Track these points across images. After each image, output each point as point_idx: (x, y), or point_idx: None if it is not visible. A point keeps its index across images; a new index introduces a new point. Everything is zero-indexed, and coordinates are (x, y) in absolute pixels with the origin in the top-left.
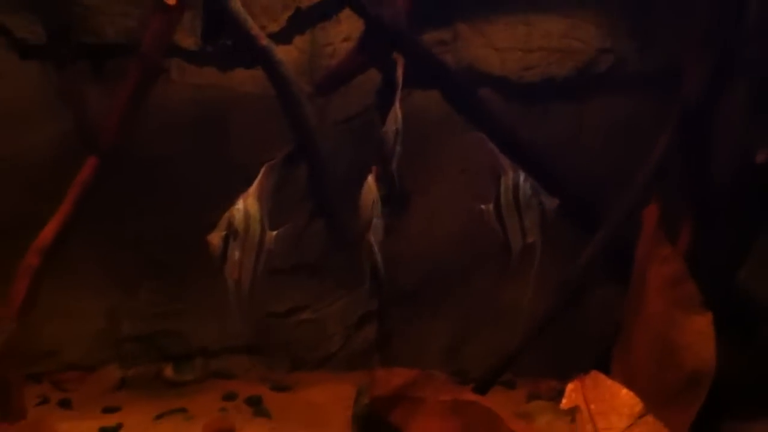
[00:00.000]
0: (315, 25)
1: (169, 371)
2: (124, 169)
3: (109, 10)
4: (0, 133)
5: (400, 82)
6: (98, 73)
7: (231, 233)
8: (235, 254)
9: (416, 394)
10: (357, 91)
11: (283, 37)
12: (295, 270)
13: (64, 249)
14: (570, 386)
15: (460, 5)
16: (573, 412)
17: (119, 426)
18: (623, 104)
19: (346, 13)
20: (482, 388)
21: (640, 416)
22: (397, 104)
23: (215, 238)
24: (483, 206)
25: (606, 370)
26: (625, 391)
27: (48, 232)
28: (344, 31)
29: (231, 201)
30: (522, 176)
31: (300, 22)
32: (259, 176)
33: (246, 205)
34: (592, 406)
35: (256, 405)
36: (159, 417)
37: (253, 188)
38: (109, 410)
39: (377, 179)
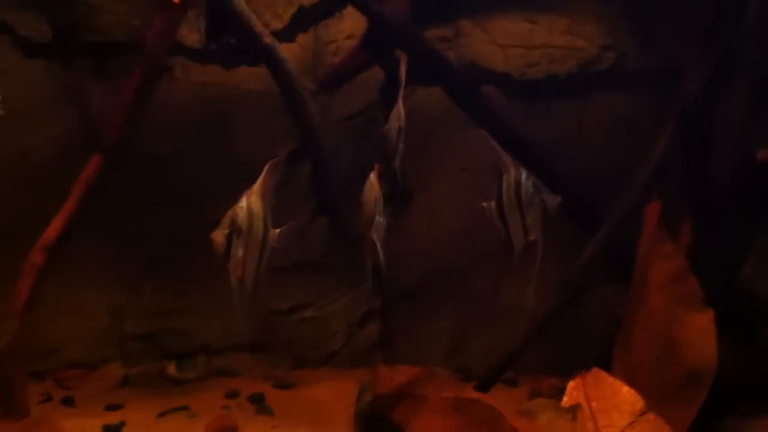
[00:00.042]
0: (318, 23)
1: (172, 369)
2: (128, 167)
3: (113, 8)
4: (5, 130)
5: (404, 79)
6: (102, 71)
7: (234, 231)
8: (239, 252)
9: (419, 392)
10: (360, 88)
11: (286, 34)
12: (297, 268)
13: (68, 247)
14: (571, 384)
15: (462, 2)
16: (574, 409)
17: (122, 424)
18: (624, 102)
19: (349, 11)
20: (484, 386)
21: (642, 414)
22: (400, 102)
23: (219, 235)
24: (485, 204)
25: (607, 368)
26: (626, 388)
27: (52, 230)
28: (347, 28)
29: (234, 199)
30: (524, 174)
31: (303, 20)
32: (263, 174)
33: (249, 203)
34: (594, 404)
35: (258, 403)
36: (162, 415)
37: (256, 186)
38: (112, 408)
39: (380, 177)
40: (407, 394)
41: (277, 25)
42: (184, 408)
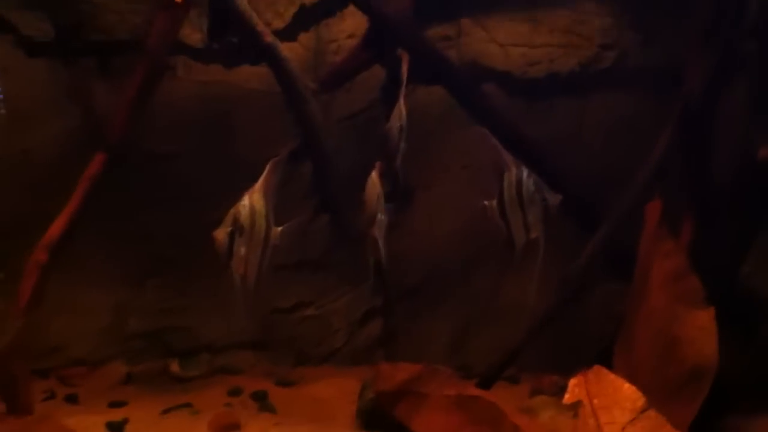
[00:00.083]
0: (319, 22)
1: (175, 367)
2: (131, 166)
3: (116, 7)
4: (7, 129)
5: (405, 78)
6: (105, 70)
7: (237, 229)
8: (241, 250)
9: (420, 389)
10: (361, 87)
11: (287, 33)
12: (299, 266)
13: (71, 245)
14: (573, 381)
15: (463, 1)
16: (576, 406)
17: (125, 421)
18: (625, 101)
19: (351, 10)
20: (486, 384)
21: (643, 411)
22: (401, 101)
23: (221, 234)
24: (486, 202)
25: (608, 365)
26: (627, 385)
27: (56, 229)
28: (349, 27)
29: (236, 197)
30: (525, 172)
31: (304, 19)
32: (265, 172)
33: (252, 201)
34: (595, 401)
35: (261, 400)
36: (165, 412)
37: (258, 184)
38: (115, 405)
39: (381, 175)
40: (409, 391)
41: (279, 24)
42: (187, 405)
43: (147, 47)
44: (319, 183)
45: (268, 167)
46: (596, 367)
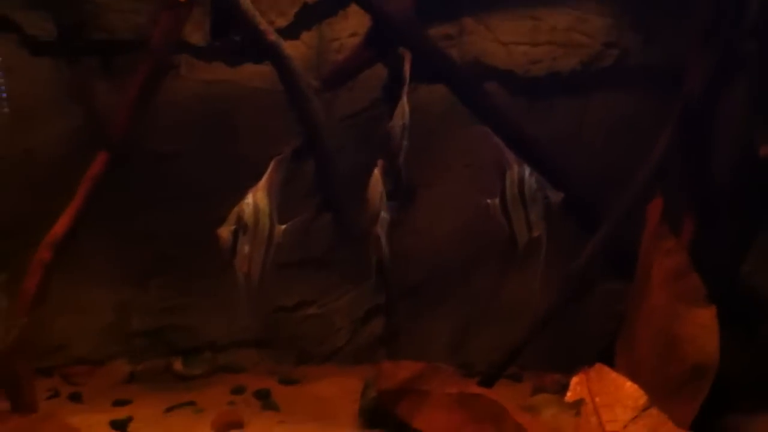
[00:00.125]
0: (322, 21)
1: (178, 365)
2: (134, 165)
3: (119, 6)
4: (11, 128)
5: (408, 77)
6: (108, 69)
7: (240, 227)
8: (245, 248)
9: (423, 387)
10: (363, 86)
11: (290, 32)
12: (302, 264)
13: (75, 244)
14: (575, 379)
15: (465, 0)
16: (578, 405)
17: (129, 419)
18: (626, 100)
19: (353, 9)
20: (488, 382)
21: (645, 409)
22: (404, 99)
23: (225, 232)
24: (489, 201)
25: (610, 364)
26: (629, 383)
27: (59, 227)
28: (351, 26)
29: (239, 196)
30: (527, 170)
31: (307, 18)
32: (268, 171)
33: (255, 200)
34: (597, 399)
35: (264, 398)
36: (169, 410)
37: (262, 182)
38: (119, 403)
39: (383, 173)
40: (411, 389)
41: (282, 22)
42: (191, 403)
43: (150, 46)
44: (321, 181)
45: (271, 165)
46: (598, 366)
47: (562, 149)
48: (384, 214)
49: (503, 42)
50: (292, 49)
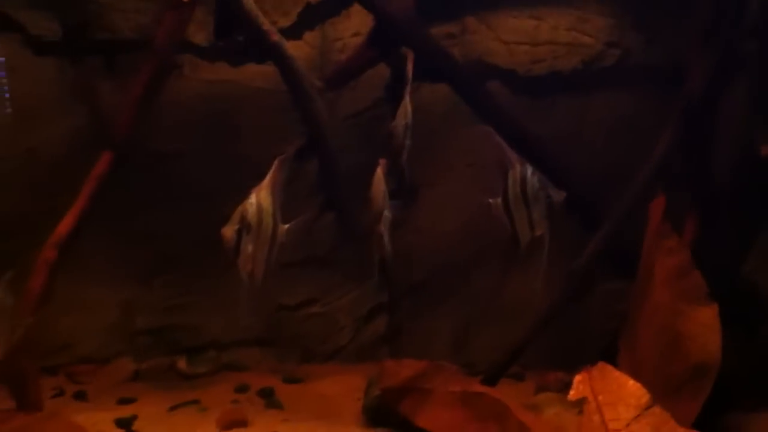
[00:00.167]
0: (325, 21)
1: (182, 364)
2: (137, 165)
3: (123, 6)
4: (15, 128)
5: (410, 76)
6: (111, 69)
7: (244, 227)
8: (248, 247)
9: (426, 386)
10: (366, 85)
11: (293, 32)
12: (305, 263)
13: (79, 243)
14: (578, 378)
15: None
16: (580, 403)
17: (134, 417)
18: (628, 99)
19: (356, 9)
20: (491, 380)
21: (647, 407)
22: (407, 98)
23: (229, 231)
24: (491, 200)
25: (613, 362)
26: (632, 382)
27: (64, 227)
28: (354, 26)
29: (242, 195)
30: (529, 170)
31: (310, 18)
32: (272, 170)
33: (259, 199)
34: (600, 398)
35: (268, 397)
36: (173, 408)
37: (265, 182)
38: (124, 402)
39: (385, 172)
40: (414, 387)
41: (285, 22)
42: (195, 402)
43: (154, 46)
44: (324, 180)
45: (274, 165)
46: (601, 364)
47: (564, 148)
48: (387, 213)
49: (505, 41)
50: (295, 49)
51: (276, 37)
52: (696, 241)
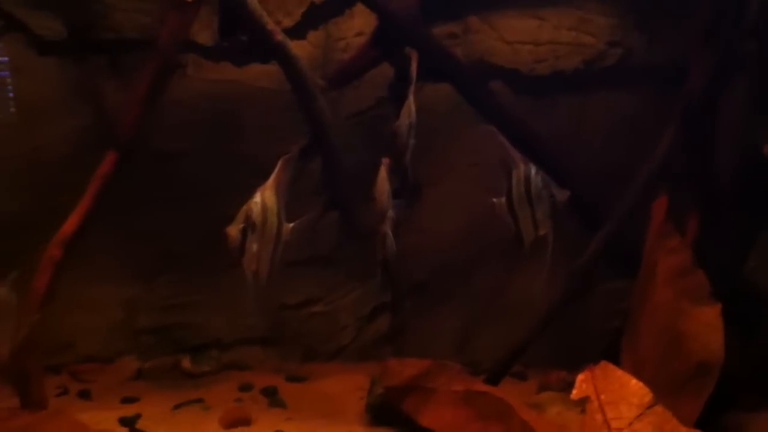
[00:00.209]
0: (328, 20)
1: (186, 363)
2: (141, 164)
3: (126, 6)
4: (19, 128)
5: (414, 76)
6: (115, 69)
7: (249, 226)
8: (253, 246)
9: (429, 384)
10: (368, 85)
11: (297, 32)
12: (308, 262)
13: (84, 242)
14: (580, 377)
15: None
16: (583, 402)
17: (138, 416)
18: (630, 99)
19: (359, 8)
20: (493, 379)
21: (649, 406)
22: (411, 98)
23: (233, 230)
24: (495, 200)
25: (615, 361)
26: (634, 381)
27: (69, 226)
28: (357, 25)
29: (245, 194)
30: (533, 169)
31: (314, 17)
32: (276, 169)
33: (263, 198)
34: (602, 397)
35: (271, 395)
36: (177, 407)
37: (270, 181)
38: (127, 400)
39: (389, 171)
40: (417, 386)
41: (288, 22)
42: (199, 401)
43: (158, 46)
44: (328, 179)
45: (279, 164)
46: (603, 363)
47: (566, 148)
48: (390, 213)
49: (508, 41)
50: (298, 48)
51: (280, 36)
52: (698, 240)
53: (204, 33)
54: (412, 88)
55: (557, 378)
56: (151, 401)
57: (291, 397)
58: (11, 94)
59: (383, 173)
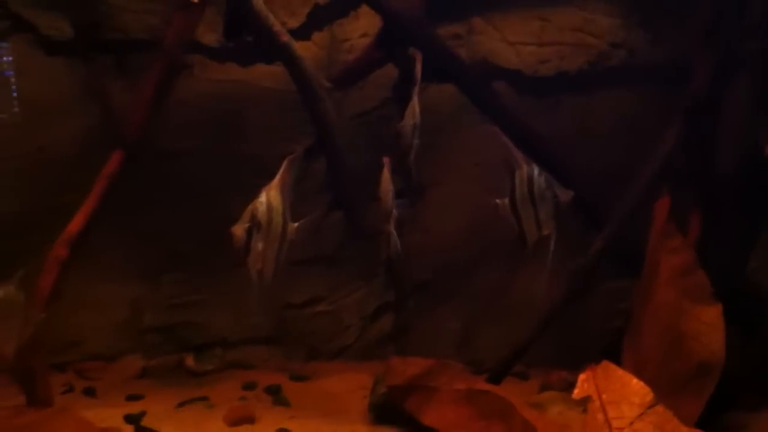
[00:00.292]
0: (333, 22)
1: (190, 361)
2: (147, 163)
3: (133, 7)
4: (26, 127)
5: (419, 77)
6: (122, 69)
7: (254, 225)
8: (258, 246)
9: (431, 383)
10: (373, 85)
11: (302, 32)
12: (312, 262)
13: (89, 241)
14: (582, 377)
15: (474, 0)
16: (584, 402)
17: (143, 413)
18: (633, 98)
19: (364, 10)
20: (495, 379)
21: (651, 406)
22: (415, 99)
23: (239, 229)
24: (498, 201)
25: (616, 361)
26: (635, 381)
27: (75, 225)
28: (362, 27)
29: (250, 194)
30: (536, 169)
31: (318, 18)
32: (281, 170)
33: (269, 198)
34: (604, 396)
35: (275, 394)
36: (181, 405)
37: (275, 181)
38: (132, 398)
39: (391, 170)
40: (420, 385)
41: (293, 23)
42: (203, 399)
43: (164, 46)
44: (332, 179)
45: (284, 164)
46: (605, 363)
47: (569, 148)
48: (395, 212)
49: (511, 42)
50: (303, 49)
51: (286, 38)
52: (699, 240)
53: (210, 34)
54: (416, 89)
55: (559, 377)
56: (156, 399)
57: (295, 396)
58: (15, 94)
59: (387, 173)
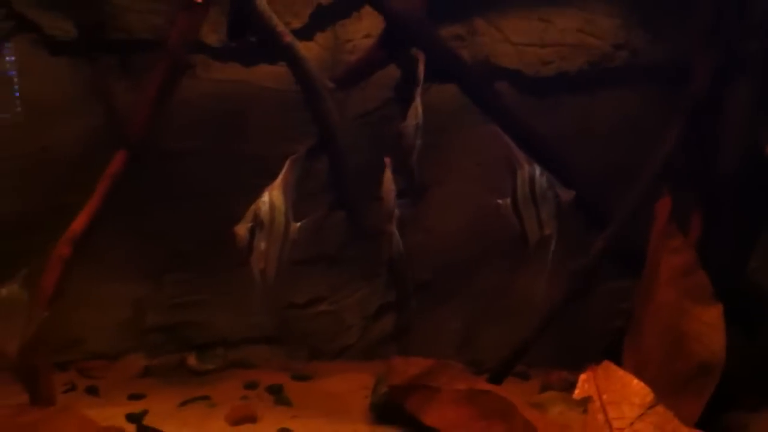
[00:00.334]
0: (336, 22)
1: (192, 360)
2: (151, 163)
3: (137, 7)
4: (29, 127)
5: (421, 77)
6: (126, 69)
7: (257, 225)
8: (261, 245)
9: (432, 383)
10: (375, 86)
11: (305, 33)
12: (314, 262)
13: (93, 240)
14: (582, 377)
15: (476, 1)
16: (585, 402)
17: (145, 412)
18: (633, 99)
19: (367, 10)
20: (496, 378)
21: (651, 406)
22: (418, 99)
23: (242, 229)
24: (500, 201)
25: (617, 361)
26: (636, 381)
27: (78, 224)
28: (365, 27)
29: (252, 194)
30: (538, 169)
31: (321, 19)
32: (284, 169)
33: (271, 198)
34: (604, 396)
35: (277, 393)
36: (183, 404)
37: (278, 181)
38: (134, 397)
39: (392, 170)
40: (421, 385)
41: (296, 24)
42: (205, 398)
43: (168, 46)
44: (334, 179)
45: (286, 164)
46: (605, 363)
47: (571, 148)
48: (397, 212)
49: (513, 43)
50: (306, 49)
51: (289, 38)
52: (700, 240)
53: (213, 34)
54: (418, 90)
55: (559, 378)
56: (158, 398)
57: (296, 396)
58: (22, 94)
59: (389, 173)
